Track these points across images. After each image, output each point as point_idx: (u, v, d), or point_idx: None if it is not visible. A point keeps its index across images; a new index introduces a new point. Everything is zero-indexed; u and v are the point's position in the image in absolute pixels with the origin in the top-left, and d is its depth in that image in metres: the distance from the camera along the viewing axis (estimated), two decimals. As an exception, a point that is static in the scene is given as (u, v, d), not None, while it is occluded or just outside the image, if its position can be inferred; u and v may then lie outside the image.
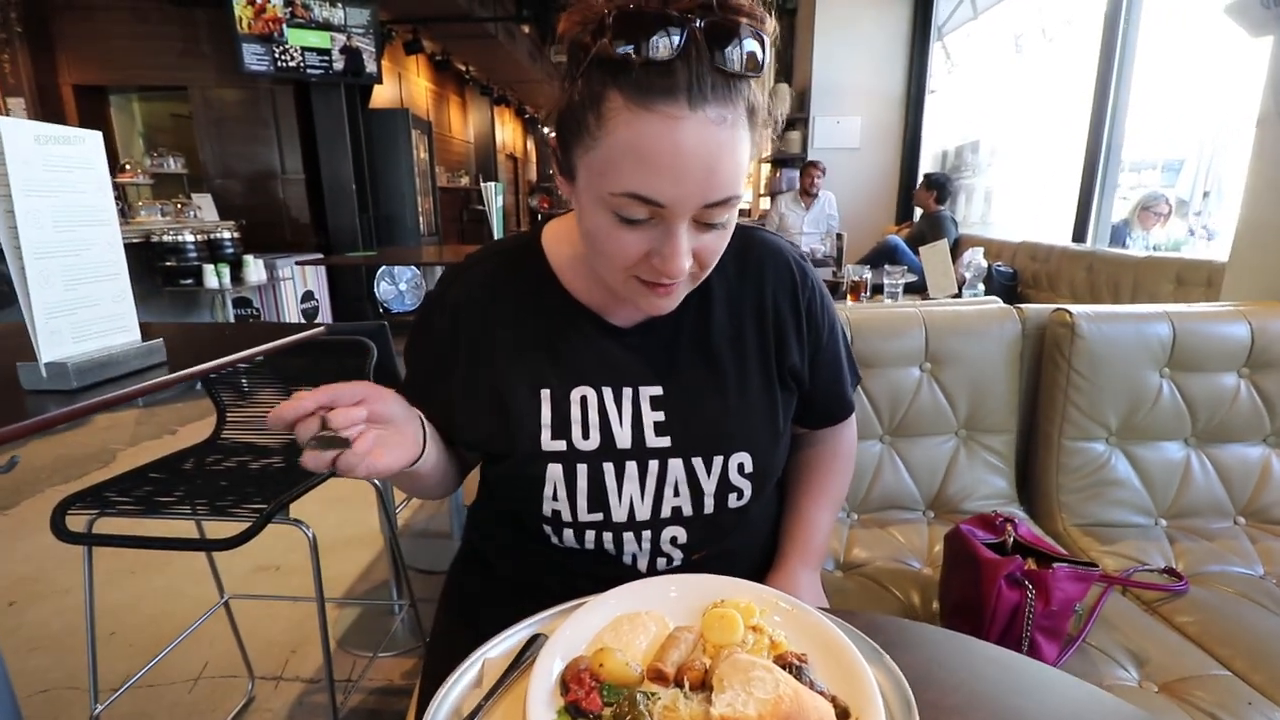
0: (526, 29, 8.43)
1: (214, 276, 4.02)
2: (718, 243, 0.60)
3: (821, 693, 0.50)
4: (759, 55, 0.53)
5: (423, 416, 0.65)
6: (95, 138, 0.77)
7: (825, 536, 0.82)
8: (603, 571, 0.69)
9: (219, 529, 1.09)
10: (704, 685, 0.51)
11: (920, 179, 4.58)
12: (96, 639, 1.26)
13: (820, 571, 0.83)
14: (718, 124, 0.52)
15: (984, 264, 2.80)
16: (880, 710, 0.48)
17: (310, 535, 1.18)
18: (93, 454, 3.12)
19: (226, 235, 4.30)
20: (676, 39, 0.50)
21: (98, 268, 0.79)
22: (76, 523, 1.11)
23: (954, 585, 0.96)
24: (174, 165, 5.90)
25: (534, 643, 0.58)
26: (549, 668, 0.53)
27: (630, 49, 0.50)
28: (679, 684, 0.51)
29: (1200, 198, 4.08)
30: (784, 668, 0.51)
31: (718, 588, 0.62)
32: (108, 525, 1.14)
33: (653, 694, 0.50)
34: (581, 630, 0.57)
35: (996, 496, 1.29)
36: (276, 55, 5.15)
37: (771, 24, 0.55)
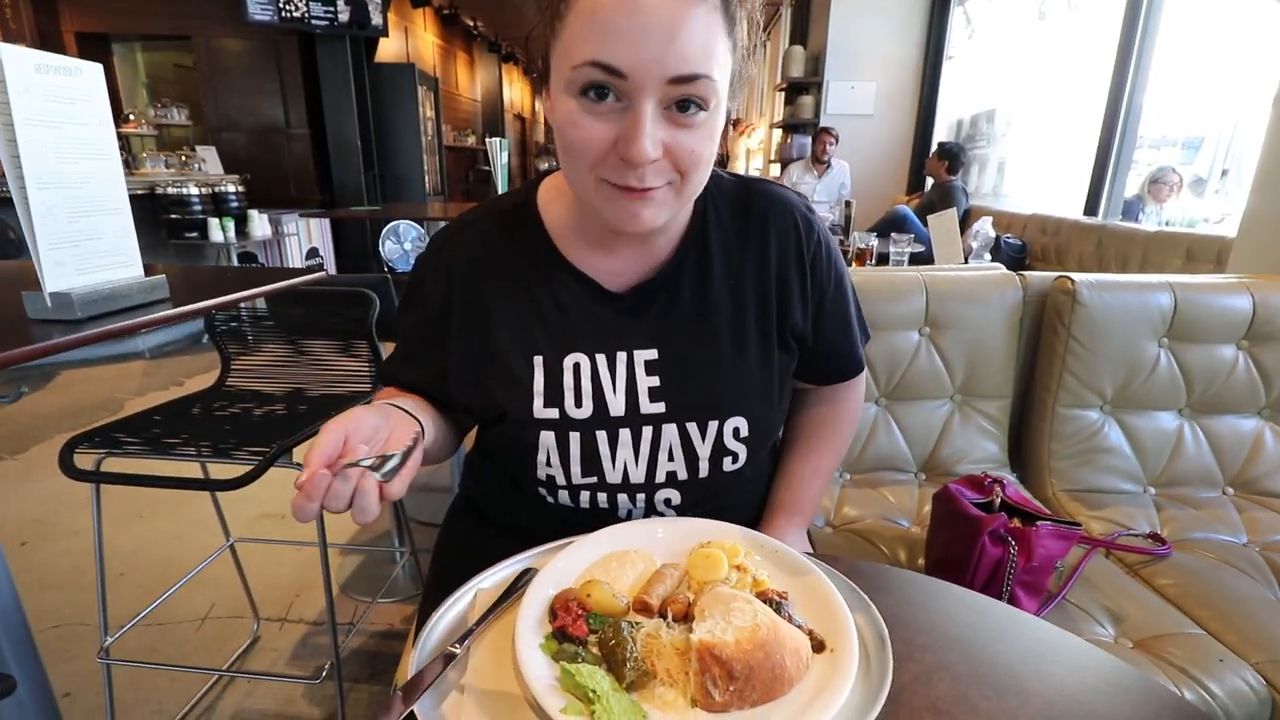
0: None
1: (219, 230, 4.02)
2: (694, 143, 0.56)
3: (800, 626, 0.52)
4: None
5: (410, 408, 0.62)
6: (95, 69, 0.76)
7: (817, 496, 0.82)
8: (598, 526, 0.70)
9: (224, 473, 1.11)
10: (686, 618, 0.53)
11: (934, 148, 4.50)
12: (106, 578, 1.30)
13: (808, 528, 0.85)
14: None
15: (991, 234, 2.77)
16: (854, 643, 0.50)
17: (312, 480, 1.20)
18: (100, 402, 3.17)
19: (231, 189, 4.28)
20: None
21: (100, 201, 0.79)
22: (84, 462, 1.14)
23: (939, 541, 0.98)
24: (178, 117, 5.84)
25: (525, 575, 0.60)
26: (539, 597, 0.55)
27: None
28: (662, 615, 0.53)
29: (1219, 175, 4.01)
30: (765, 603, 0.53)
31: (705, 530, 0.64)
32: (115, 465, 1.16)
33: (636, 623, 0.52)
34: (572, 565, 0.59)
35: (988, 461, 1.31)
36: (281, 5, 5.05)
37: None
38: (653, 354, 0.68)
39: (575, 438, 0.67)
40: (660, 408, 0.67)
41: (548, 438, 0.67)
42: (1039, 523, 0.87)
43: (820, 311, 0.73)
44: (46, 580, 1.86)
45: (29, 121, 0.68)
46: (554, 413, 0.66)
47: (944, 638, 0.55)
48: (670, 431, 0.68)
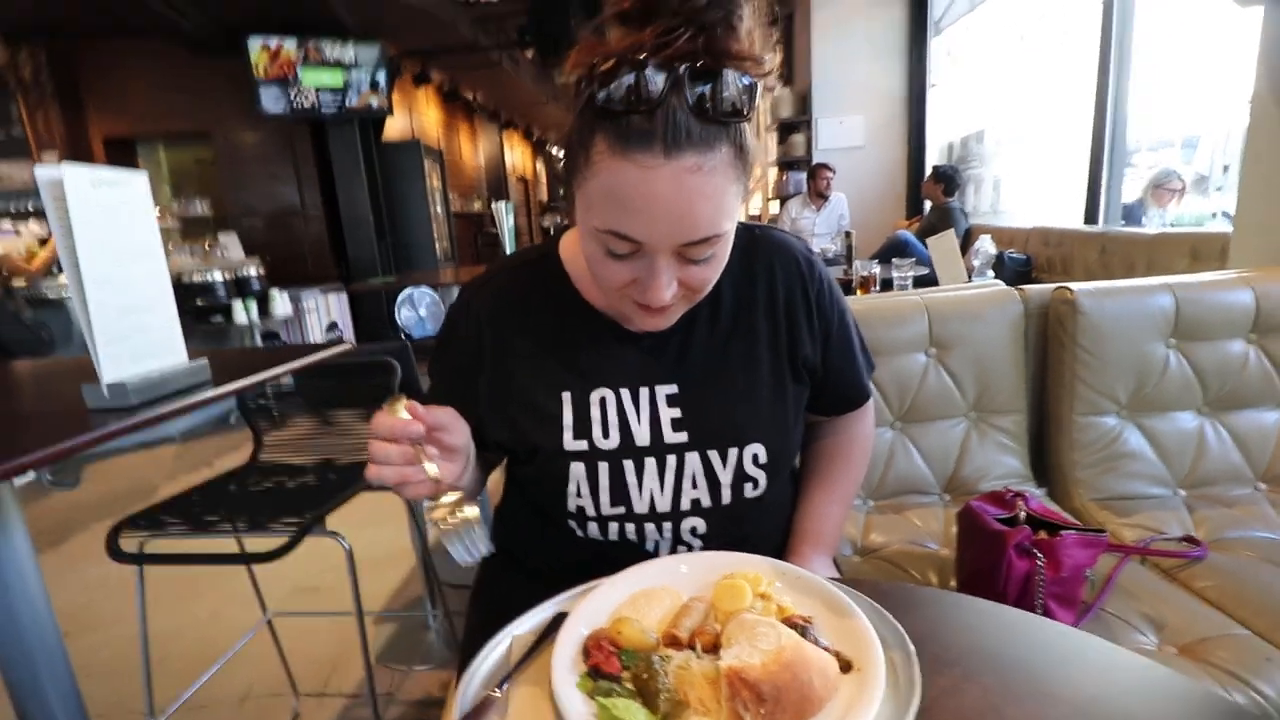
0: (529, 54, 8.61)
1: (243, 312, 4.17)
2: (706, 273, 0.63)
3: (825, 648, 0.53)
4: (745, 100, 0.54)
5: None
6: (142, 179, 0.85)
7: (838, 524, 0.84)
8: (626, 560, 0.72)
9: (262, 548, 1.14)
10: (715, 648, 0.54)
11: (929, 172, 4.59)
12: (149, 662, 1.32)
13: (834, 556, 0.86)
14: (693, 171, 0.54)
15: (992, 251, 2.80)
16: (881, 661, 0.51)
17: (347, 546, 1.23)
18: (134, 488, 3.24)
19: (253, 272, 4.45)
20: (657, 89, 0.52)
21: (149, 296, 0.87)
22: (129, 545, 1.18)
23: (967, 560, 0.98)
24: (200, 208, 6.13)
25: (558, 619, 0.62)
26: (572, 638, 0.57)
27: (612, 98, 0.53)
28: (691, 647, 0.55)
29: (1220, 172, 4.04)
30: (790, 628, 0.54)
31: (727, 562, 0.66)
32: (156, 547, 1.20)
33: (667, 656, 0.54)
34: (601, 605, 0.61)
35: (1011, 476, 1.30)
36: (292, 96, 5.35)
37: (770, 63, 0.56)
38: (673, 389, 0.72)
39: (604, 468, 0.70)
40: (683, 437, 0.71)
41: (578, 469, 0.70)
42: (1063, 532, 0.88)
43: (827, 344, 0.78)
44: (87, 670, 1.87)
45: (87, 230, 0.75)
46: (583, 444, 0.71)
47: (970, 650, 0.56)
48: (693, 460, 0.71)
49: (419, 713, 1.64)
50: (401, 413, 0.57)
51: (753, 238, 0.77)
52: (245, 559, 1.15)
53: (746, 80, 0.54)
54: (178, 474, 3.44)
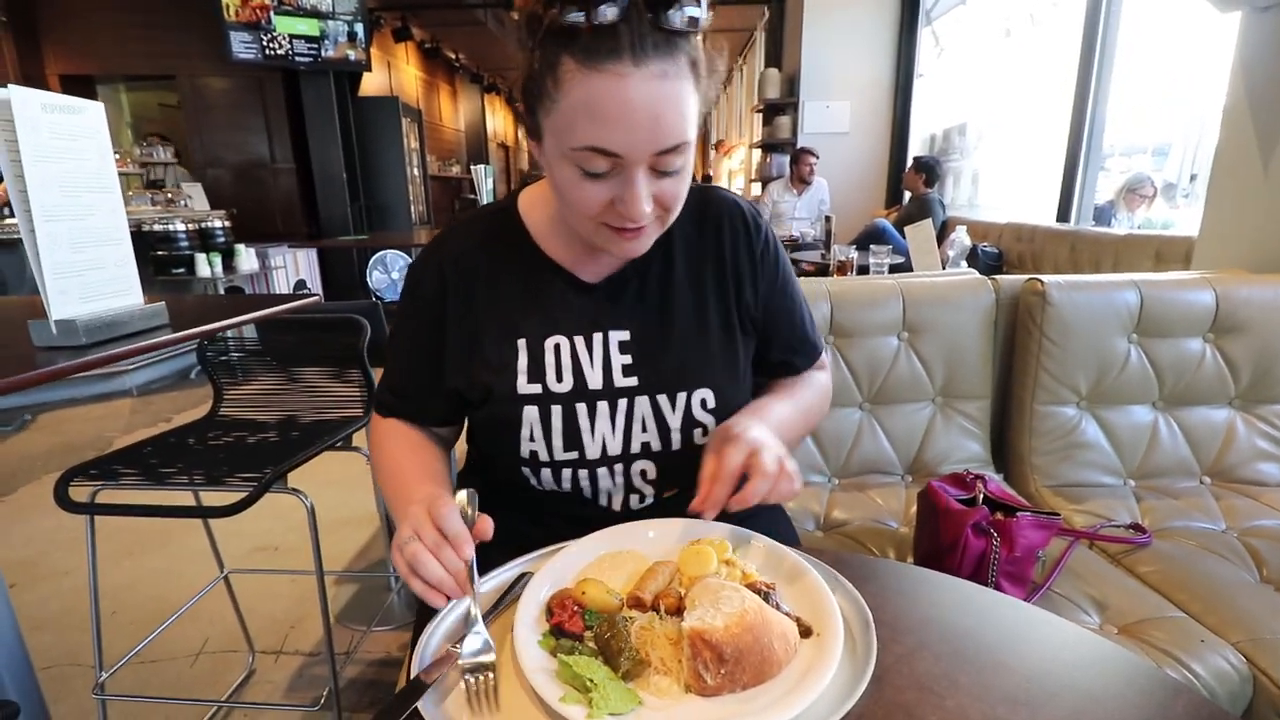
0: (515, 15, 8.37)
1: (206, 265, 4.02)
2: (676, 187, 0.65)
3: (787, 614, 0.54)
4: (698, 14, 0.58)
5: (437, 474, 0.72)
6: (97, 108, 0.81)
7: (786, 420, 0.75)
8: (580, 513, 0.75)
9: (219, 502, 1.11)
10: (679, 611, 0.55)
11: (910, 162, 4.61)
12: (99, 615, 1.29)
13: (771, 426, 0.70)
14: (660, 78, 0.58)
15: (967, 243, 2.84)
16: (839, 628, 0.52)
17: (309, 504, 1.21)
18: (89, 441, 3.14)
19: (218, 224, 4.30)
20: (618, 5, 0.55)
21: (102, 232, 0.83)
22: (80, 495, 1.14)
23: (925, 537, 1.01)
24: (163, 155, 5.87)
25: (521, 579, 0.62)
26: (536, 597, 0.57)
27: (577, 18, 0.55)
28: (655, 609, 0.55)
29: (1188, 180, 4.13)
30: (753, 594, 0.55)
31: (694, 529, 0.66)
32: (109, 498, 1.17)
33: (630, 617, 0.54)
34: (566, 567, 0.62)
35: (972, 460, 1.33)
36: (265, 43, 5.13)
37: None
38: (625, 335, 0.75)
39: (557, 411, 0.72)
40: (634, 381, 0.74)
41: (531, 412, 0.72)
42: (1019, 514, 0.90)
43: (771, 292, 0.80)
44: (36, 622, 1.83)
45: (36, 157, 0.72)
46: (537, 388, 0.73)
47: (926, 620, 0.58)
48: (643, 404, 0.74)
49: (378, 671, 1.64)
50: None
51: (704, 196, 0.79)
52: (202, 512, 1.12)
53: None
54: (135, 428, 3.35)
